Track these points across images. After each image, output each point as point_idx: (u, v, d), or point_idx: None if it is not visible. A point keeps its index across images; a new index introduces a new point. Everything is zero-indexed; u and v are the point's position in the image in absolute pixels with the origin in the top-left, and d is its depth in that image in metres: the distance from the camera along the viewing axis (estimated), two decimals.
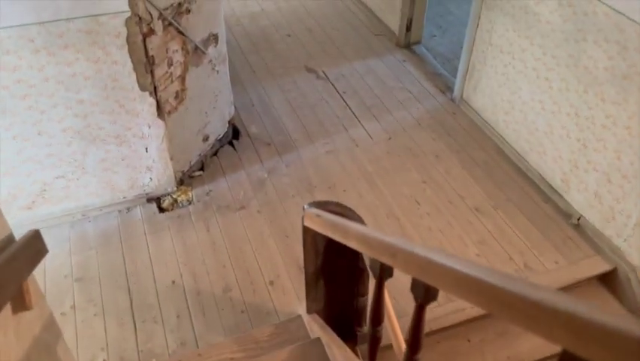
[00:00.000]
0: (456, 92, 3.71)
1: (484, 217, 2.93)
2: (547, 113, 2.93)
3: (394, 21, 4.36)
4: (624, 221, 2.58)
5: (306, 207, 1.84)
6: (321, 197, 3.02)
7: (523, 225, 2.89)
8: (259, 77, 3.98)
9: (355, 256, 1.90)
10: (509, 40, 3.10)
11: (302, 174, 3.17)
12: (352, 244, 1.41)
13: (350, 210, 1.88)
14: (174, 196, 3.03)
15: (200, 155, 3.18)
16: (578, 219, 2.85)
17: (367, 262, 1.36)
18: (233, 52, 4.23)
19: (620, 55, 2.40)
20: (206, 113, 3.12)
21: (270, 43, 4.38)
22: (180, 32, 2.70)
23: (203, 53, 2.92)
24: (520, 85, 3.09)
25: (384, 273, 1.26)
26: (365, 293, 2.05)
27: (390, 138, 3.44)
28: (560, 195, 2.97)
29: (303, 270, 2.55)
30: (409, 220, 2.90)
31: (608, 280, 2.69)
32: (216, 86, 3.15)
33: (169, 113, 2.81)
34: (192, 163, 3.14)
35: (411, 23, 4.22)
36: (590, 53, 2.57)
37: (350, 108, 3.68)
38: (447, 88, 3.85)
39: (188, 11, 2.71)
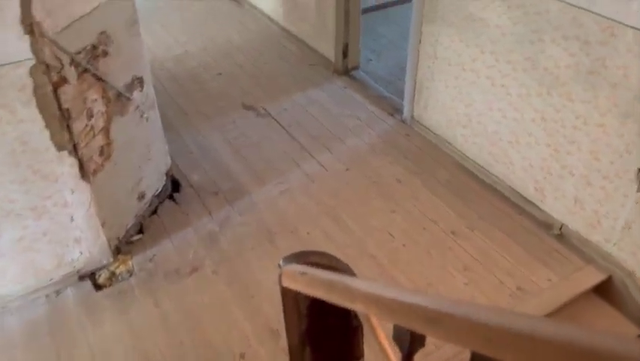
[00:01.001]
0: (406, 113, 3.52)
1: (462, 240, 2.69)
2: (510, 122, 2.77)
3: (329, 49, 4.17)
4: (611, 224, 2.42)
5: (282, 263, 1.50)
6: (283, 244, 2.68)
7: (504, 242, 2.67)
8: (193, 121, 3.63)
9: (347, 312, 1.57)
10: (457, 51, 2.95)
11: (258, 221, 2.82)
12: (359, 307, 1.09)
13: (336, 259, 1.57)
14: (111, 269, 2.59)
15: (137, 216, 2.77)
16: (560, 229, 2.67)
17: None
18: (162, 97, 3.86)
19: (583, 50, 2.27)
20: (139, 167, 2.73)
21: (201, 84, 4.05)
22: (98, 78, 2.32)
23: (128, 99, 2.55)
24: (475, 96, 2.93)
25: (415, 344, 0.95)
26: (361, 356, 1.72)
27: (347, 169, 3.17)
28: (536, 206, 2.79)
29: (279, 335, 2.19)
30: (385, 256, 2.61)
31: (604, 290, 2.50)
32: (147, 135, 2.77)
33: (95, 172, 2.40)
34: (129, 227, 2.71)
35: (347, 49, 4.04)
36: (548, 52, 2.43)
37: (298, 142, 3.40)
38: (395, 110, 3.66)
39: (106, 54, 2.35)
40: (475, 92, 2.93)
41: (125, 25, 2.46)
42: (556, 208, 2.67)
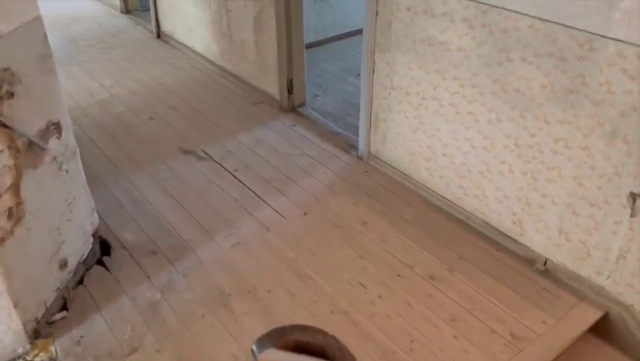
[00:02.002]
0: (362, 149, 3.26)
1: (442, 285, 2.40)
2: (479, 151, 2.56)
3: (272, 85, 3.88)
4: (603, 255, 2.20)
5: (255, 348, 1.12)
6: (240, 307, 2.27)
7: (488, 284, 2.41)
8: (123, 171, 3.18)
9: None
10: (415, 79, 2.73)
11: (208, 282, 2.41)
12: None
13: (322, 333, 1.21)
14: (29, 358, 2.08)
15: (59, 289, 2.28)
16: (545, 264, 2.44)
17: None
18: (86, 147, 3.40)
19: (558, 68, 2.09)
20: (58, 230, 2.26)
21: (130, 130, 3.63)
22: (3, 125, 1.89)
23: (43, 148, 2.11)
24: (439, 126, 2.71)
25: None
26: None
27: (305, 213, 2.83)
28: (514, 240, 2.56)
29: None
30: (359, 311, 2.26)
31: (601, 328, 2.26)
32: (68, 190, 2.32)
33: (2, 241, 1.93)
34: (49, 303, 2.22)
35: (292, 85, 3.77)
36: (519, 73, 2.25)
37: (248, 187, 3.03)
38: (349, 146, 3.39)
39: (12, 95, 1.92)
40: (438, 122, 2.71)
41: (35, 61, 2.05)
42: (537, 241, 2.45)
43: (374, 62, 2.94)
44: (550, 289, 2.37)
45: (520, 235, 2.53)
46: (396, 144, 3.01)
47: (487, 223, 2.66)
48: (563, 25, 2.02)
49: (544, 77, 2.16)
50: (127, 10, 5.85)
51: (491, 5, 2.24)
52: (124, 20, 5.71)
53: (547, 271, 2.44)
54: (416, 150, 2.90)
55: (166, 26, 5.08)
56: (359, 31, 5.41)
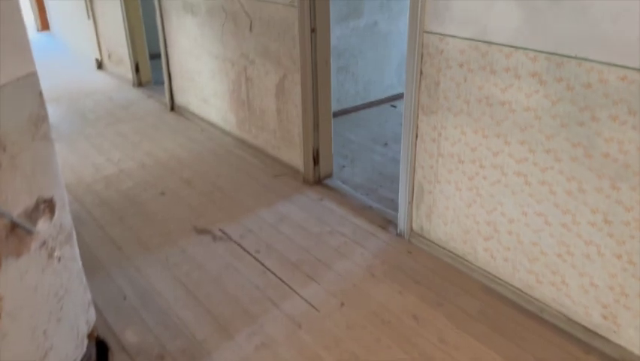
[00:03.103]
0: (402, 225, 2.83)
1: None
2: (556, 228, 2.13)
3: (296, 155, 3.53)
4: None
5: None
6: None
7: None
8: (129, 255, 2.76)
9: None
10: (470, 144, 2.36)
11: None
12: None
13: None
14: None
15: None
16: None
17: None
18: (87, 228, 3.01)
19: None
20: (44, 333, 1.80)
21: (139, 207, 3.24)
22: None
23: (29, 232, 1.70)
24: (501, 198, 2.30)
25: None
26: None
27: (342, 304, 2.36)
28: (606, 339, 2.07)
29: None
30: None
31: None
32: (59, 282, 1.89)
33: None
34: None
35: (318, 156, 3.41)
36: (607, 134, 1.86)
37: (272, 272, 2.59)
38: (386, 222, 2.97)
39: None
40: (501, 194, 2.30)
41: (26, 124, 1.69)
42: (638, 341, 1.96)
43: (417, 126, 2.59)
44: None
45: (614, 332, 2.04)
46: (446, 219, 2.59)
47: (568, 317, 2.18)
48: None
49: None
50: (139, 84, 5.67)
51: (569, 56, 1.90)
52: (136, 93, 5.50)
53: None
54: (472, 227, 2.47)
55: (180, 98, 4.84)
56: (382, 101, 5.27)
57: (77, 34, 6.85)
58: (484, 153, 2.31)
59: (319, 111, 3.31)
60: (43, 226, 1.77)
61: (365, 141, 4.17)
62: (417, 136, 2.61)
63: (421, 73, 2.48)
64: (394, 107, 4.89)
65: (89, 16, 6.23)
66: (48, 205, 1.81)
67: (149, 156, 3.98)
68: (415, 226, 2.78)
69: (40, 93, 1.73)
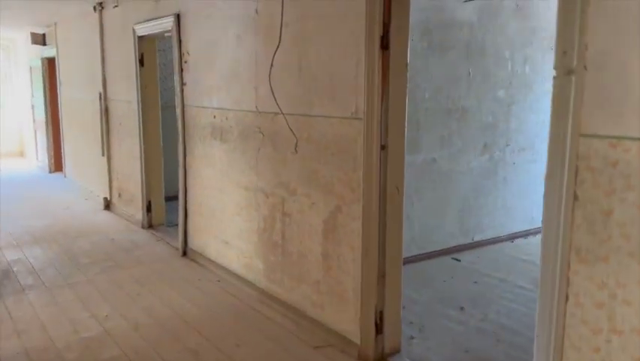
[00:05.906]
0: None
1: None
2: None
3: (348, 319, 2.53)
4: None
5: None
6: None
7: None
8: None
9: None
10: None
11: None
12: None
13: None
14: None
15: None
16: None
17: None
18: None
19: None
20: None
21: None
22: None
23: None
24: None
25: None
26: None
27: None
28: None
29: None
30: None
31: None
32: None
33: None
34: None
35: (382, 319, 2.41)
36: None
37: None
38: None
39: None
40: None
41: None
42: None
43: (568, 281, 1.63)
44: None
45: None
46: None
47: None
48: None
49: None
50: (150, 225, 4.87)
51: None
52: (143, 235, 4.66)
53: None
54: None
55: (195, 241, 3.97)
56: (443, 252, 4.26)
57: (88, 173, 6.30)
58: None
59: (386, 256, 2.39)
60: None
61: (433, 303, 3.16)
62: (567, 298, 1.64)
63: (576, 198, 1.59)
64: (458, 260, 3.95)
65: (103, 152, 5.69)
66: None
67: (147, 313, 2.99)
68: None
69: None
